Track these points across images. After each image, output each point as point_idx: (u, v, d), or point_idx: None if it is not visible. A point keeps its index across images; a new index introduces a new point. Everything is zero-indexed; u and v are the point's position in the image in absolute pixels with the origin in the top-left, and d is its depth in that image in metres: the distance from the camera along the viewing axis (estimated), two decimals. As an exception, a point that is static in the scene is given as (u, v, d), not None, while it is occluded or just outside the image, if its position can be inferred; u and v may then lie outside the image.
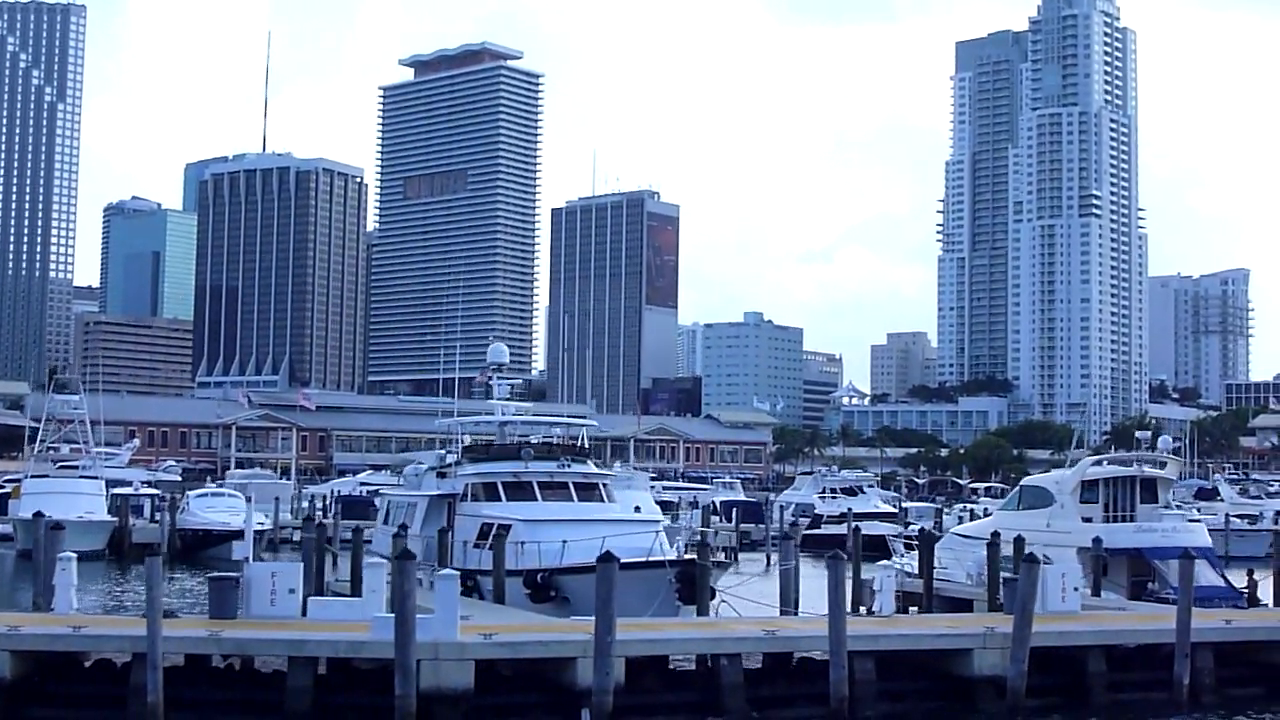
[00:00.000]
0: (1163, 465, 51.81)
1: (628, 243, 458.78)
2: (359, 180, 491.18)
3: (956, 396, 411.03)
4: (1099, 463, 51.47)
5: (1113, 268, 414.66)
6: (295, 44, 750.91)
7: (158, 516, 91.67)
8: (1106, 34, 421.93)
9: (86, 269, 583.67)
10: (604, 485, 47.78)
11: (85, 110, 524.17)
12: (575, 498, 46.22)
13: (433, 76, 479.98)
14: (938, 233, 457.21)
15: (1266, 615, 38.61)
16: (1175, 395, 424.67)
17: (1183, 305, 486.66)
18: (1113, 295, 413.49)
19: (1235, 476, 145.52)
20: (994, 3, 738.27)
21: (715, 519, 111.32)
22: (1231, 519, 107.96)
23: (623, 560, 40.35)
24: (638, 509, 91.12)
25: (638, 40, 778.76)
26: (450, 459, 52.57)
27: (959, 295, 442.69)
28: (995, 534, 48.17)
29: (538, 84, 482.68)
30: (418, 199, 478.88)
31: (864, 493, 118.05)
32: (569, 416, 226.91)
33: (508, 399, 53.26)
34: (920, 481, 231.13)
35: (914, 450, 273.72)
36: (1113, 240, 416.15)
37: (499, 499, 45.94)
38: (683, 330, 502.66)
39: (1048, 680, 33.76)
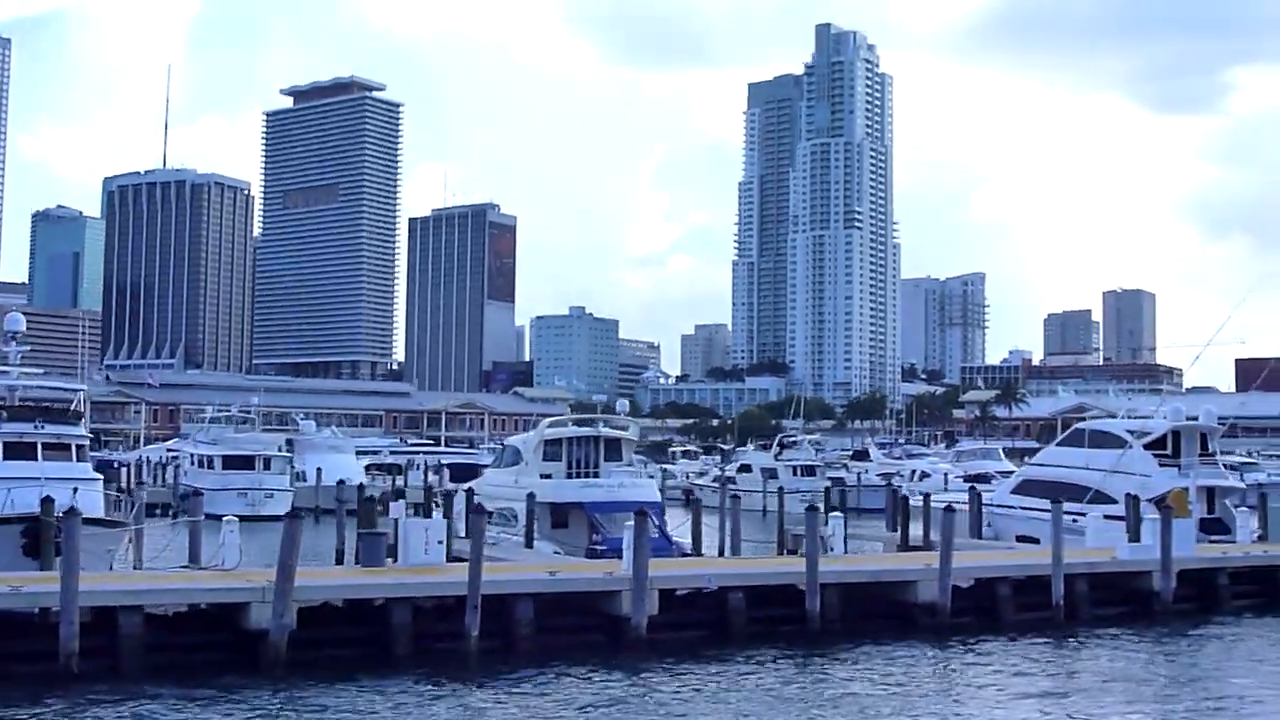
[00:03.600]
0: (625, 428, 46.59)
1: (472, 247, 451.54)
2: (246, 193, 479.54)
3: (744, 377, 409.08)
4: (562, 424, 45.99)
5: (872, 271, 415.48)
6: (197, 75, 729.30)
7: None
8: (868, 78, 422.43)
9: (15, 267, 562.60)
10: (77, 446, 40.96)
11: (16, 130, 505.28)
12: (40, 457, 39.40)
13: (309, 104, 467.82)
14: (733, 242, 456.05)
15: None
16: (923, 376, 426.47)
17: (931, 302, 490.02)
18: (871, 294, 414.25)
19: (892, 442, 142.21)
20: (781, 49, 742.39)
21: (435, 476, 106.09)
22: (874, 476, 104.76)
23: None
24: (319, 470, 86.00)
25: (488, 77, 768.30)
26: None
27: (749, 293, 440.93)
28: (470, 490, 42.96)
29: (398, 111, 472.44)
30: (296, 209, 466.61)
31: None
32: (392, 392, 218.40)
33: (18, 364, 46.10)
34: (692, 447, 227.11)
35: (691, 421, 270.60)
36: (872, 248, 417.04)
37: (-39, 458, 39.12)
38: (535, 323, 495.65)
39: (330, 633, 28.01)
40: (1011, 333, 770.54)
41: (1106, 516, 43.94)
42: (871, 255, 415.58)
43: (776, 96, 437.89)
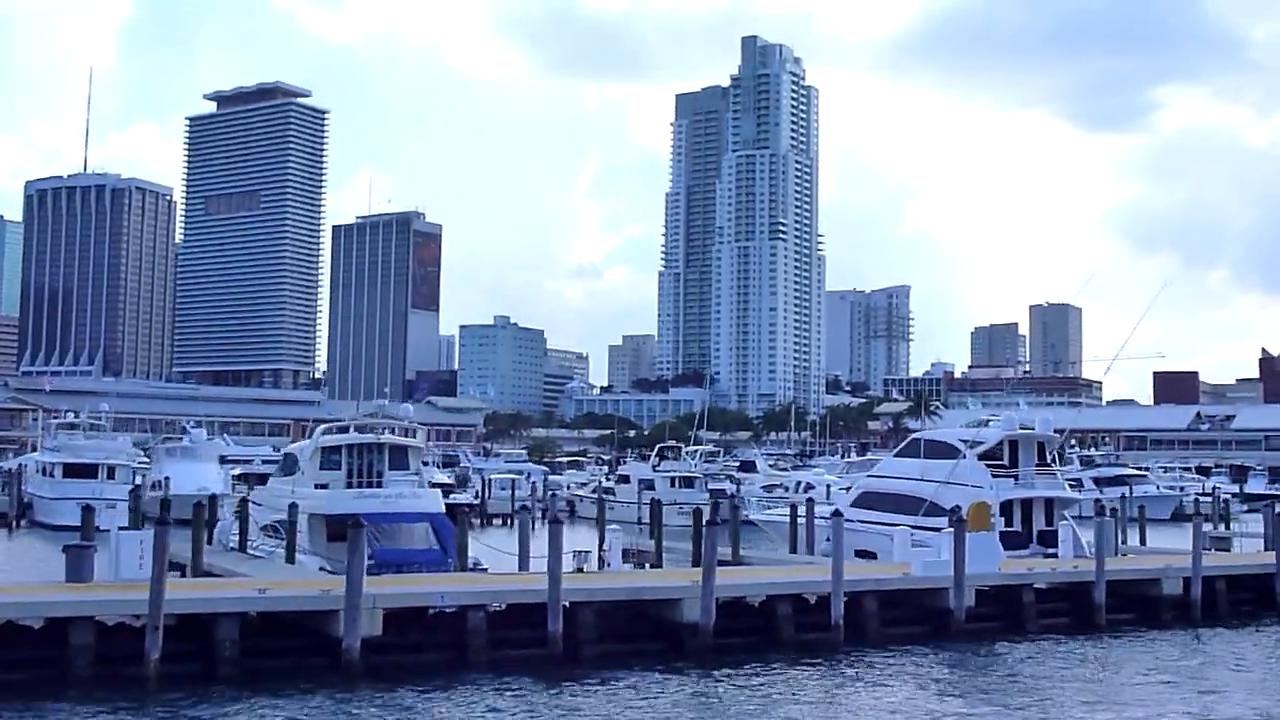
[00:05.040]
0: (415, 435, 43.78)
1: (396, 256, 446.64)
2: (168, 198, 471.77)
3: (669, 388, 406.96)
4: (343, 430, 42.98)
5: (796, 283, 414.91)
6: (128, 79, 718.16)
7: None
8: (794, 91, 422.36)
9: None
10: None
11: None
12: None
13: (232, 109, 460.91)
14: (660, 252, 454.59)
15: (416, 580, 30.89)
16: (847, 388, 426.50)
17: (856, 314, 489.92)
18: (796, 305, 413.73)
19: (780, 454, 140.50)
20: (711, 61, 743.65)
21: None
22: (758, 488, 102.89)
23: None
24: (166, 479, 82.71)
25: (423, 86, 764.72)
26: None
27: (675, 304, 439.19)
28: (244, 500, 40.20)
29: (323, 118, 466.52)
30: (218, 215, 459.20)
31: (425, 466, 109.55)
32: (301, 400, 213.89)
33: None
34: (606, 458, 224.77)
35: (606, 431, 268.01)
36: (797, 260, 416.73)
37: None
38: (461, 332, 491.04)
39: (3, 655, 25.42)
40: (940, 346, 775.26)
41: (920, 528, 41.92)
42: (796, 267, 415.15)
43: (704, 108, 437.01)
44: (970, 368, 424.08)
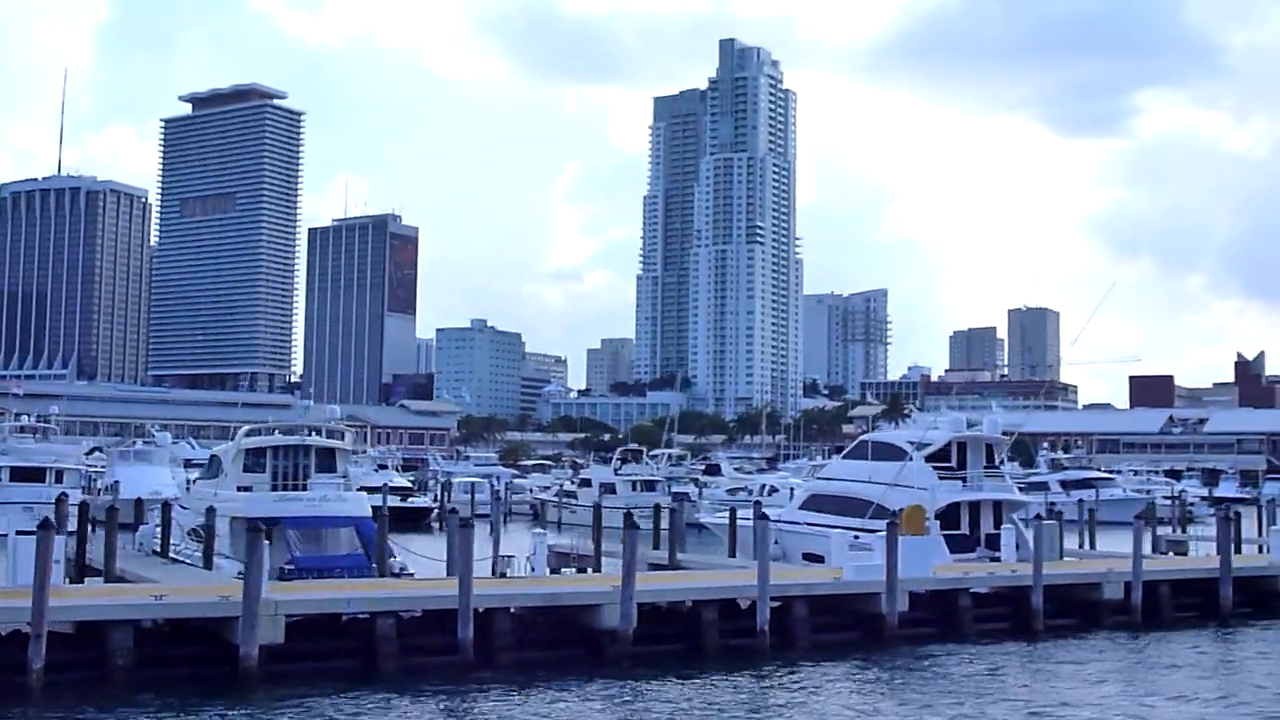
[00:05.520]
0: (343, 436, 42.81)
1: (373, 259, 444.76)
2: (143, 200, 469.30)
3: (646, 391, 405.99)
4: (265, 432, 42.00)
5: (773, 287, 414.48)
6: (106, 81, 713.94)
7: None
8: (771, 94, 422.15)
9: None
10: None
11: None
12: None
13: (208, 111, 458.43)
14: (639, 256, 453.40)
15: (302, 588, 30.04)
16: (825, 391, 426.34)
17: (834, 318, 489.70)
18: (773, 309, 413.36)
19: (745, 456, 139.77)
20: (690, 64, 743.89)
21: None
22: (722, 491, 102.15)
23: None
24: (116, 483, 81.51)
25: (404, 89, 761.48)
26: None
27: (653, 307, 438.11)
28: (166, 503, 39.31)
29: (299, 120, 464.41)
30: (193, 217, 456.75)
31: (384, 469, 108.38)
32: (273, 404, 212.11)
33: None
34: (580, 461, 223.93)
35: (582, 435, 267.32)
36: (774, 264, 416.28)
37: None
38: (437, 335, 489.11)
39: None
40: (918, 350, 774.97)
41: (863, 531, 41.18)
42: (774, 271, 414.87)
43: (682, 111, 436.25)
44: (948, 371, 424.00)
